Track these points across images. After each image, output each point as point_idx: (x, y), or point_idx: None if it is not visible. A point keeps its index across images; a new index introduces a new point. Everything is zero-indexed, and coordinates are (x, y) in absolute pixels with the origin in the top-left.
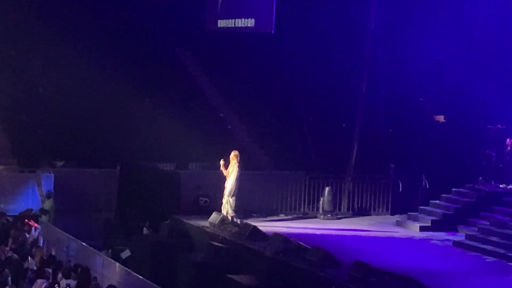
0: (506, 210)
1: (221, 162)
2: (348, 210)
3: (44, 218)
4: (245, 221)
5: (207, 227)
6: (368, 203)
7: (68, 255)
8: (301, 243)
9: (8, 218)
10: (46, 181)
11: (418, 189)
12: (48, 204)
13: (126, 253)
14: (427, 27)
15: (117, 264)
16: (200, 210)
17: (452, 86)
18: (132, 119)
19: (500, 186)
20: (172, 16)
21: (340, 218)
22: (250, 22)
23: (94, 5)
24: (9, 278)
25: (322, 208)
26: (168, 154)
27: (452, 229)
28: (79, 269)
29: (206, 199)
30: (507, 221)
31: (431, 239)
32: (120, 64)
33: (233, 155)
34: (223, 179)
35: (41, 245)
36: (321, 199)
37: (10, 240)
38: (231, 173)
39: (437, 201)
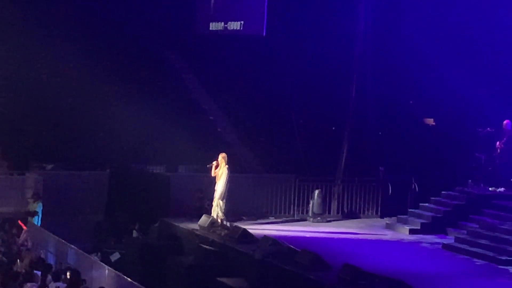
0: (495, 213)
1: (214, 163)
2: (337, 213)
3: (31, 220)
4: (235, 224)
5: (197, 229)
6: (357, 206)
7: (57, 258)
8: (290, 246)
9: None
10: (36, 183)
11: (407, 192)
12: (35, 206)
13: (115, 256)
14: (417, 30)
15: (107, 267)
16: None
17: (442, 89)
18: (122, 122)
19: (490, 189)
20: (162, 18)
21: (329, 221)
22: (241, 25)
23: (83, 7)
24: None
25: (312, 211)
26: (158, 156)
27: (442, 232)
28: (68, 272)
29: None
30: (496, 224)
31: (421, 242)
32: (110, 67)
33: (221, 158)
34: (213, 181)
35: (30, 247)
36: (311, 202)
37: None
38: (221, 175)
39: (427, 204)
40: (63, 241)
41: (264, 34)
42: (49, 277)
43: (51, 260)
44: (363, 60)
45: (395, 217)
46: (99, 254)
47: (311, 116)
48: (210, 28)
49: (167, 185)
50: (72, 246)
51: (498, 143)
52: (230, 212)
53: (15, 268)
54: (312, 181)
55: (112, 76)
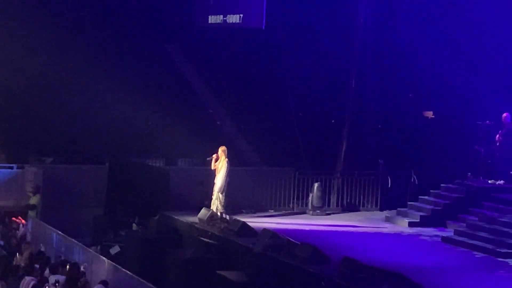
0: (494, 206)
1: (214, 156)
2: (337, 206)
3: (31, 213)
4: (234, 217)
5: (196, 223)
6: (357, 199)
7: (57, 251)
8: (290, 239)
9: None
10: (35, 176)
11: (407, 185)
12: (35, 199)
13: (115, 249)
14: (417, 23)
15: (106, 260)
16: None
17: (441, 82)
18: (121, 115)
19: (489, 181)
20: (162, 12)
21: (329, 214)
22: (240, 18)
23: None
24: None
25: (311, 204)
26: (157, 150)
27: (441, 224)
28: (67, 265)
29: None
30: (495, 216)
31: (420, 235)
32: (109, 61)
33: (221, 151)
34: (213, 175)
35: (29, 241)
36: (310, 195)
37: None
38: (220, 169)
39: (426, 197)
40: (63, 234)
41: (263, 27)
42: (48, 270)
43: (50, 253)
44: (362, 53)
45: (395, 210)
46: (98, 247)
47: (311, 109)
48: (209, 21)
49: (167, 178)
50: (72, 239)
51: (498, 136)
52: (230, 205)
53: (14, 262)
54: (311, 174)
55: (110, 69)
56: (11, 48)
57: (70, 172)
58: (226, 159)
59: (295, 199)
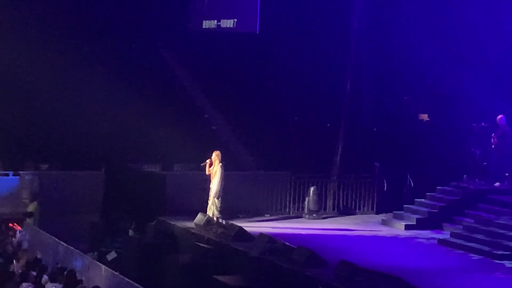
0: (490, 208)
1: (208, 161)
2: (333, 209)
3: (29, 220)
4: (230, 221)
5: (193, 228)
6: (353, 202)
7: (54, 258)
8: (286, 243)
9: None
10: (31, 183)
11: (403, 188)
12: (32, 207)
13: (112, 255)
14: (411, 25)
15: (103, 266)
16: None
17: (436, 85)
18: (116, 121)
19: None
20: (156, 16)
21: (325, 218)
22: (234, 23)
23: (75, 4)
24: None
25: (308, 208)
26: (153, 155)
27: (437, 227)
28: (65, 272)
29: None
30: (492, 218)
31: (417, 238)
32: (103, 65)
33: (215, 156)
34: (208, 180)
35: (25, 248)
36: (307, 198)
37: None
38: (215, 174)
39: (422, 200)
40: (60, 241)
41: (257, 31)
42: (46, 277)
43: (47, 260)
44: (357, 56)
45: (391, 213)
46: (95, 253)
47: (306, 113)
48: (203, 26)
49: (163, 184)
50: (69, 246)
51: (492, 138)
52: (226, 210)
53: (11, 269)
54: (307, 178)
55: (105, 75)
56: (7, 55)
57: (66, 178)
58: (220, 164)
59: (291, 203)
